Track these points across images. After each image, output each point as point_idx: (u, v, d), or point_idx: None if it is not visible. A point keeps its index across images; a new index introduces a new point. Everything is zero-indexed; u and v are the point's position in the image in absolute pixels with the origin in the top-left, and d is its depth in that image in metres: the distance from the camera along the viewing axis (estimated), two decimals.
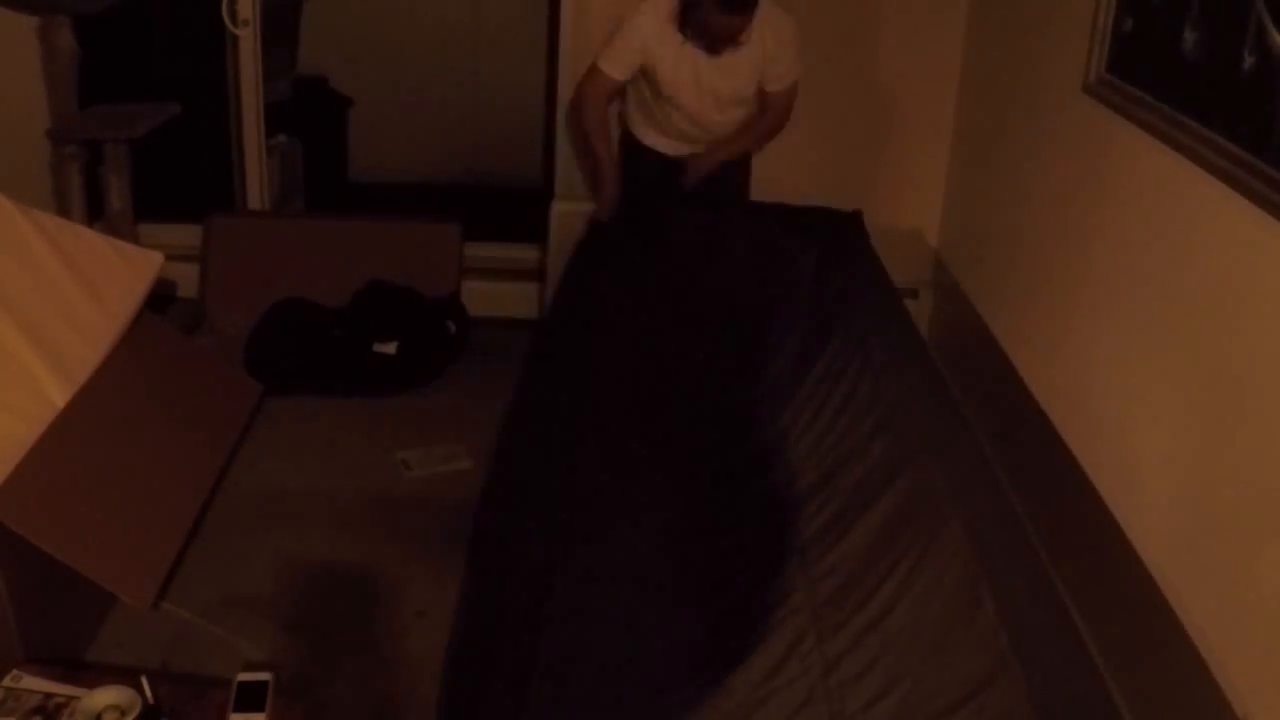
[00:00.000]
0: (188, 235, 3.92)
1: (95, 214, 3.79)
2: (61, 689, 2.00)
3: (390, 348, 3.64)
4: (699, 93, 3.40)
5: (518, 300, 4.10)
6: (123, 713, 1.88)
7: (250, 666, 2.07)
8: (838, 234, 3.55)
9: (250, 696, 1.92)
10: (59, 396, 2.46)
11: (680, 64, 3.33)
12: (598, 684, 2.16)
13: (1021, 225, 3.24)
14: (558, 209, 3.89)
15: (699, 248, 3.51)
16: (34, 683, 2.02)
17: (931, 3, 3.78)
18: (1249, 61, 2.01)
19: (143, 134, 3.71)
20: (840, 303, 3.17)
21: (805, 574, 2.42)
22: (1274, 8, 1.94)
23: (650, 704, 2.14)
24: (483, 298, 4.00)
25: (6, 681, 2.02)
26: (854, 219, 3.63)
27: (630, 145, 3.65)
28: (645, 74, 3.42)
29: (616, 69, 3.38)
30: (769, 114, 3.54)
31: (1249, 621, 1.98)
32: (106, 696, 1.90)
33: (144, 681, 1.91)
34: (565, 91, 3.90)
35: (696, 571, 2.53)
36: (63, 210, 3.66)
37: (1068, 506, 2.71)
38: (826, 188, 3.80)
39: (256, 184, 4.09)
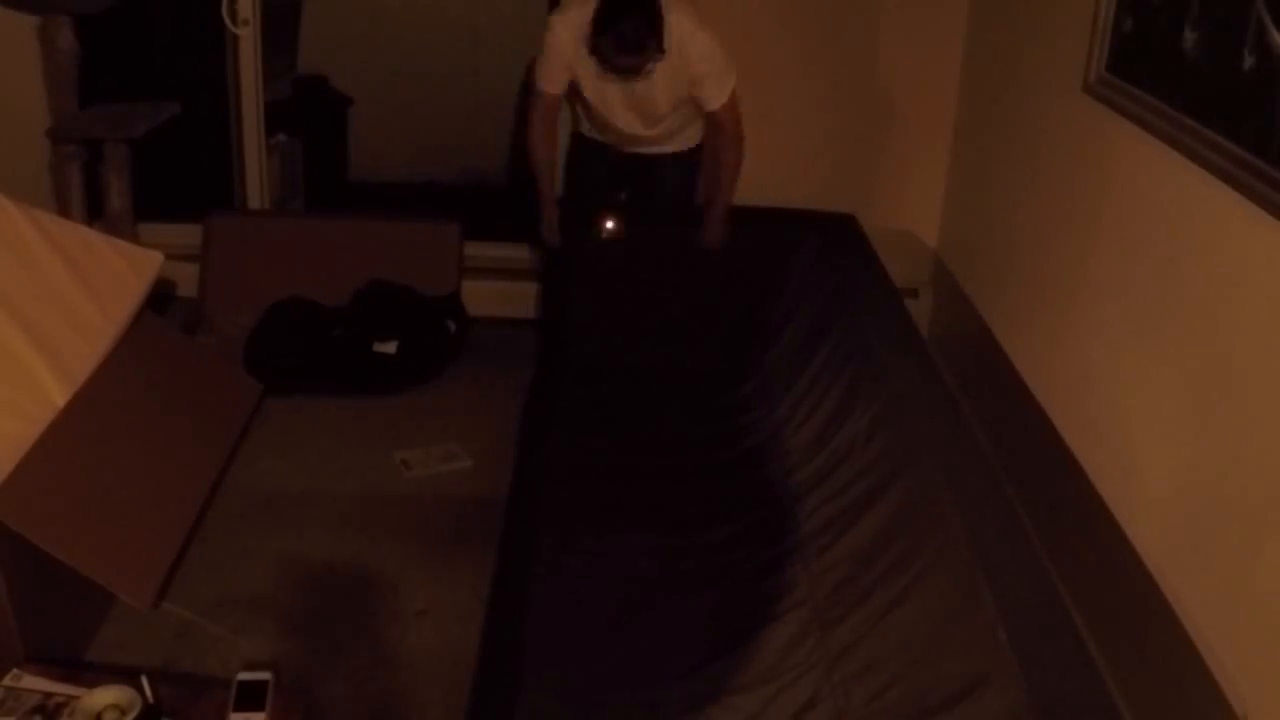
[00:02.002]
0: (188, 235, 3.92)
1: (95, 214, 3.79)
2: (61, 688, 2.00)
3: (390, 347, 3.64)
4: (624, 108, 3.34)
5: (518, 300, 4.10)
6: (123, 712, 1.88)
7: (251, 666, 2.07)
8: (833, 233, 3.56)
9: (250, 695, 1.92)
10: (59, 396, 2.46)
11: (600, 82, 3.25)
12: (592, 681, 2.17)
13: (1021, 225, 3.24)
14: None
15: (692, 249, 3.52)
16: (34, 682, 2.02)
17: (931, 3, 3.78)
18: (1249, 61, 2.01)
19: (143, 134, 3.71)
20: (839, 298, 3.18)
21: (806, 569, 2.42)
22: (1274, 8, 1.94)
23: (650, 701, 2.14)
24: (483, 298, 4.00)
25: (6, 681, 2.02)
26: (848, 221, 3.64)
27: (582, 143, 3.62)
28: (574, 87, 3.35)
29: (549, 83, 3.32)
30: (722, 138, 3.41)
31: (1249, 621, 1.98)
32: (106, 696, 1.90)
33: (144, 681, 1.91)
34: None
35: (694, 565, 2.54)
36: (63, 210, 3.65)
37: (1068, 506, 2.71)
38: (826, 188, 3.80)
39: (256, 184, 4.09)
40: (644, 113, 3.35)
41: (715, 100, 3.29)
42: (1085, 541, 2.61)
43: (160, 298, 3.39)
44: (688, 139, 3.55)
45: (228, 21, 3.86)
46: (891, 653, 2.01)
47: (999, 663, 1.76)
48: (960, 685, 1.81)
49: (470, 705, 2.16)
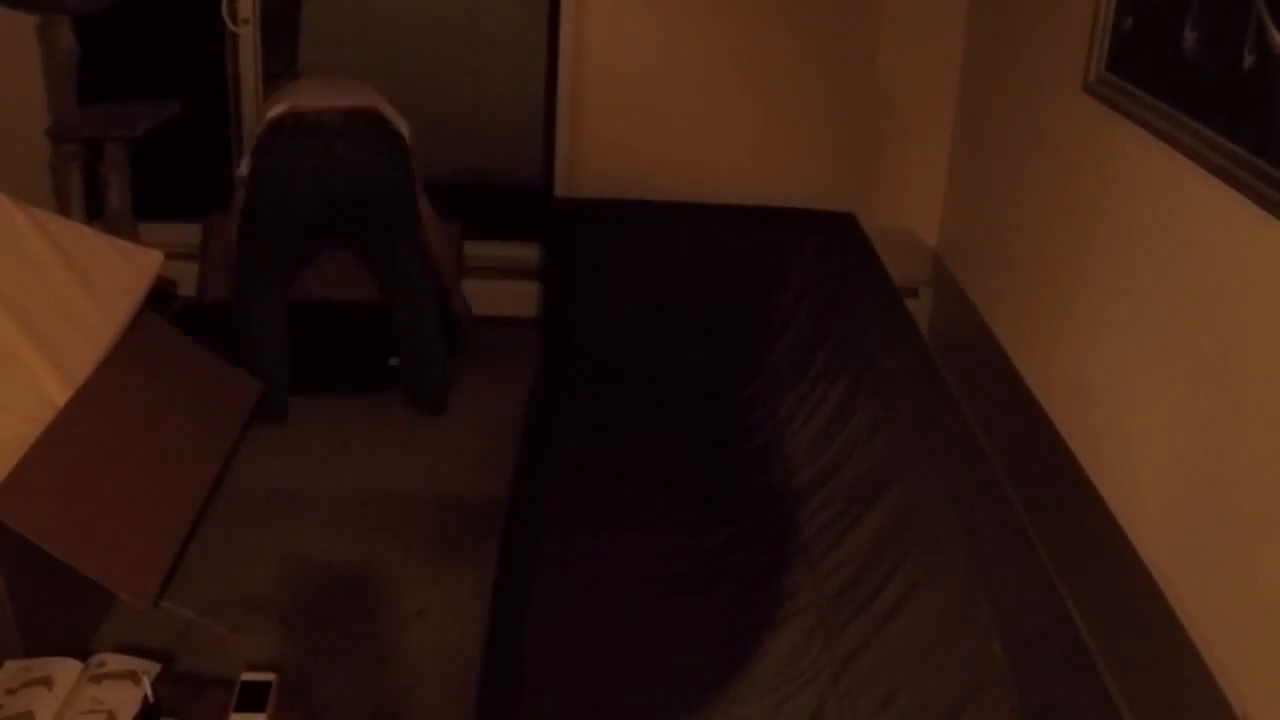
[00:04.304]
0: (188, 234, 3.92)
1: (95, 213, 3.78)
2: None
3: (397, 361, 3.63)
4: None
5: (518, 299, 4.10)
6: None
7: (254, 666, 2.07)
8: (833, 232, 3.56)
9: (252, 696, 1.92)
10: (59, 396, 2.46)
11: None
12: (596, 684, 2.16)
13: (1021, 224, 3.24)
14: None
15: (693, 247, 3.52)
16: None
17: (931, 2, 3.78)
18: (1249, 61, 2.01)
19: (143, 133, 3.71)
20: (839, 299, 3.17)
21: (810, 572, 2.42)
22: (1274, 7, 1.94)
23: (651, 702, 2.13)
24: (483, 297, 4.00)
25: None
26: (848, 221, 3.64)
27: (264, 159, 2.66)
28: None
29: None
30: None
31: (1249, 621, 1.98)
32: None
33: (144, 681, 1.91)
34: (565, 90, 3.90)
35: (697, 567, 2.53)
36: (62, 209, 3.65)
37: (1068, 506, 2.71)
38: (826, 188, 3.80)
39: None
40: None
41: None
42: (1085, 542, 2.61)
43: (160, 296, 3.39)
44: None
45: (228, 21, 3.86)
46: (894, 660, 2.01)
47: (991, 672, 1.76)
48: (954, 694, 1.80)
49: (473, 706, 2.16)
